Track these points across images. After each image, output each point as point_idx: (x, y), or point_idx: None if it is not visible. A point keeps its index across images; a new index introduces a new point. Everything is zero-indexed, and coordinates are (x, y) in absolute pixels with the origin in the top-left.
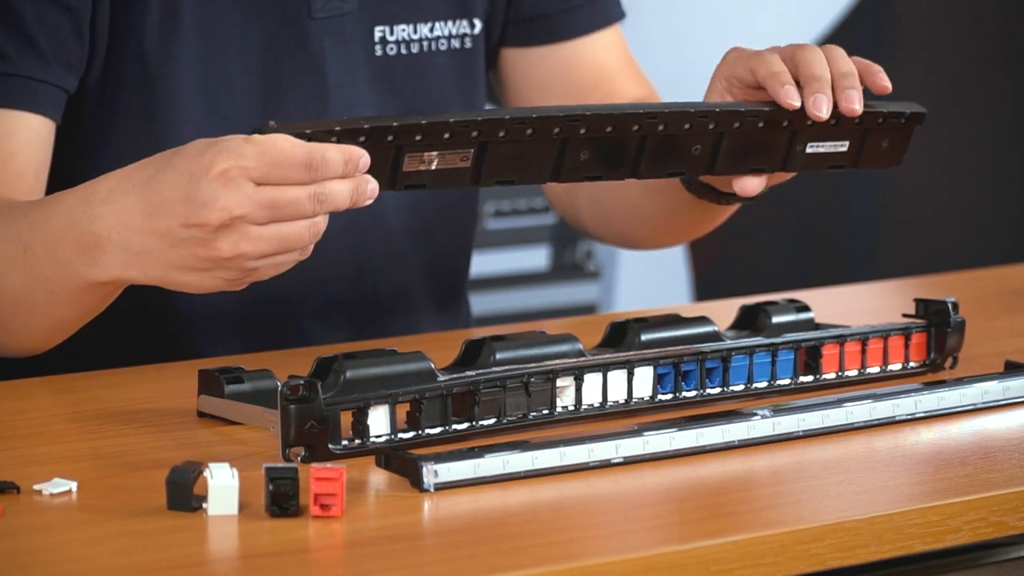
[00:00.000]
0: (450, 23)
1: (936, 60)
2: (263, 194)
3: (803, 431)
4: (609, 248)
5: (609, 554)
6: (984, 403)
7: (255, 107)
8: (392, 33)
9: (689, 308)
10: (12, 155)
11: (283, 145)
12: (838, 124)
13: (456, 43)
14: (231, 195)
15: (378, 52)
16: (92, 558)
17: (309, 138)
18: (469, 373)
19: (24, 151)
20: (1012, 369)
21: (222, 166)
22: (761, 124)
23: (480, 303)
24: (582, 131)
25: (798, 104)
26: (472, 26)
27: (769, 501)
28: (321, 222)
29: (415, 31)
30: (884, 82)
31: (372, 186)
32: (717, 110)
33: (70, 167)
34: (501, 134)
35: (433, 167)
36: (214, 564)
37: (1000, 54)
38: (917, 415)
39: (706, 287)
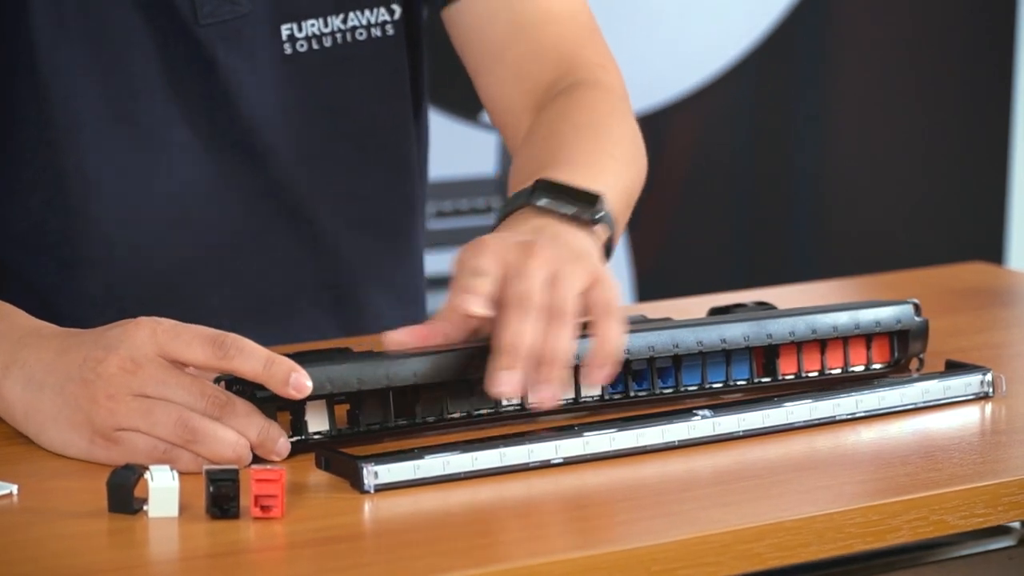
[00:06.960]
0: (367, 11)
1: (876, 61)
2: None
3: (743, 431)
4: None
5: (550, 554)
6: (925, 402)
7: (159, 110)
8: (301, 29)
9: (629, 308)
10: None
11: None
12: None
13: (377, 31)
14: (136, 339)
15: (288, 51)
16: (33, 560)
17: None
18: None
19: None
20: (952, 369)
21: (138, 321)
22: None
23: None
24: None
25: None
26: (391, 12)
27: (710, 501)
28: (194, 422)
29: (326, 24)
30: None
31: (283, 441)
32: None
33: None
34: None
35: None
36: (155, 566)
37: (940, 54)
38: (858, 415)
39: (648, 288)
